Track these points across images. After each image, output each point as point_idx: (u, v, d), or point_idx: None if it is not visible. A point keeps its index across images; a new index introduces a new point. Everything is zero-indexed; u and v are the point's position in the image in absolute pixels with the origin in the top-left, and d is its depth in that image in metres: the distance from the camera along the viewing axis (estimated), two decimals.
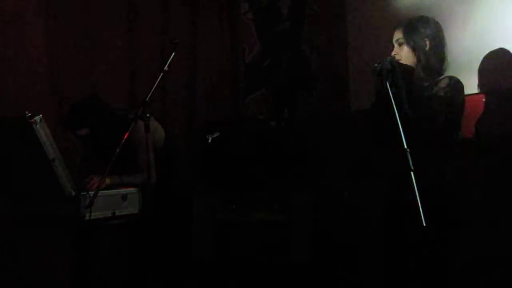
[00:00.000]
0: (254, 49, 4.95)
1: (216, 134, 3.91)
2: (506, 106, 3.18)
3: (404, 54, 2.67)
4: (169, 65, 2.88)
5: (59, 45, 3.98)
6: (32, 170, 2.78)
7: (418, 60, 2.65)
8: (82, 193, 2.75)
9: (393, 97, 2.36)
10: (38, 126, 2.60)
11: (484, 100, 3.22)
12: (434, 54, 2.65)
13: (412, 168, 2.13)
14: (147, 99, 2.77)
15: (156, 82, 2.84)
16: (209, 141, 3.91)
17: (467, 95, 2.66)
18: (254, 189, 3.77)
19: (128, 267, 3.25)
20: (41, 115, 2.61)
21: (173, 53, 2.92)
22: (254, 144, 3.94)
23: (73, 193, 2.74)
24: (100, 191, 2.77)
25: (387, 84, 2.43)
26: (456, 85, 2.62)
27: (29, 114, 2.59)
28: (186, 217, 3.73)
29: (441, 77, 2.66)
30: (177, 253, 3.52)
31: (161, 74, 2.86)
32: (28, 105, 3.21)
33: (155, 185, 3.11)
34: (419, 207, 2.05)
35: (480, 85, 3.22)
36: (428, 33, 2.66)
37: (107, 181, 2.94)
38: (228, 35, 4.99)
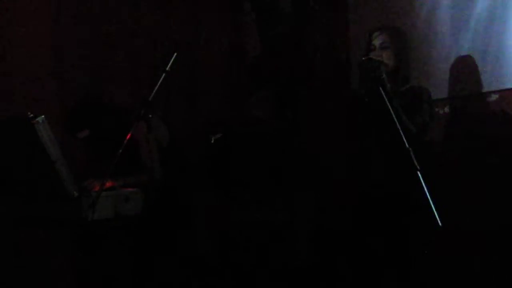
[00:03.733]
0: (256, 49, 4.94)
1: (218, 135, 3.92)
2: (473, 110, 3.26)
3: (385, 58, 2.72)
4: (171, 65, 2.88)
5: (65, 45, 4.00)
6: (35, 171, 2.78)
7: (397, 66, 2.73)
8: (85, 194, 2.74)
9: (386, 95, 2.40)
10: (40, 126, 2.58)
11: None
12: (408, 63, 2.77)
13: (418, 167, 2.11)
14: (149, 99, 2.77)
15: (158, 83, 2.84)
16: (212, 141, 3.91)
17: None
18: (256, 190, 3.78)
19: (130, 268, 3.25)
20: (43, 116, 2.59)
21: (175, 54, 2.91)
22: (256, 145, 3.94)
23: (76, 194, 2.73)
24: (103, 192, 2.77)
25: (382, 78, 2.48)
26: (430, 95, 2.75)
27: (32, 115, 2.57)
28: (188, 217, 3.73)
29: (408, 85, 2.77)
30: (179, 254, 3.52)
31: (163, 74, 2.86)
32: (32, 106, 3.21)
33: (161, 180, 3.11)
34: (432, 207, 2.01)
35: (449, 90, 3.29)
36: (408, 44, 2.80)
37: (109, 183, 2.90)
38: (230, 35, 4.99)
